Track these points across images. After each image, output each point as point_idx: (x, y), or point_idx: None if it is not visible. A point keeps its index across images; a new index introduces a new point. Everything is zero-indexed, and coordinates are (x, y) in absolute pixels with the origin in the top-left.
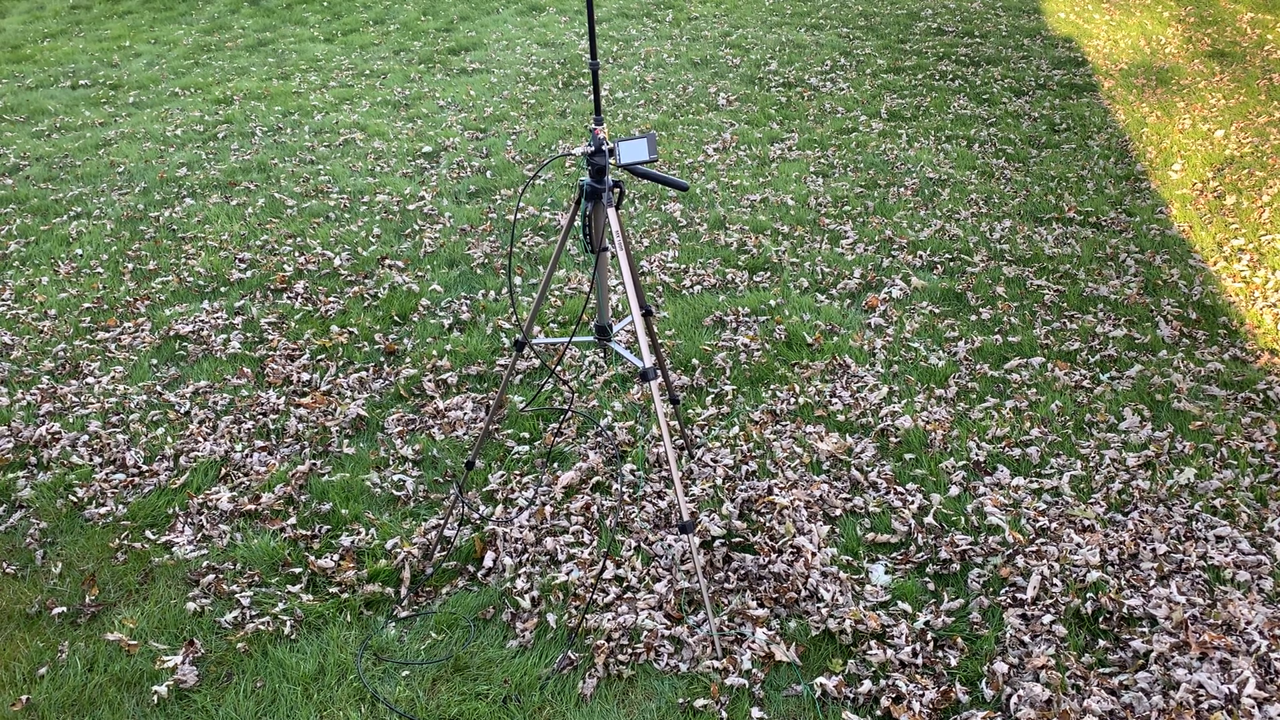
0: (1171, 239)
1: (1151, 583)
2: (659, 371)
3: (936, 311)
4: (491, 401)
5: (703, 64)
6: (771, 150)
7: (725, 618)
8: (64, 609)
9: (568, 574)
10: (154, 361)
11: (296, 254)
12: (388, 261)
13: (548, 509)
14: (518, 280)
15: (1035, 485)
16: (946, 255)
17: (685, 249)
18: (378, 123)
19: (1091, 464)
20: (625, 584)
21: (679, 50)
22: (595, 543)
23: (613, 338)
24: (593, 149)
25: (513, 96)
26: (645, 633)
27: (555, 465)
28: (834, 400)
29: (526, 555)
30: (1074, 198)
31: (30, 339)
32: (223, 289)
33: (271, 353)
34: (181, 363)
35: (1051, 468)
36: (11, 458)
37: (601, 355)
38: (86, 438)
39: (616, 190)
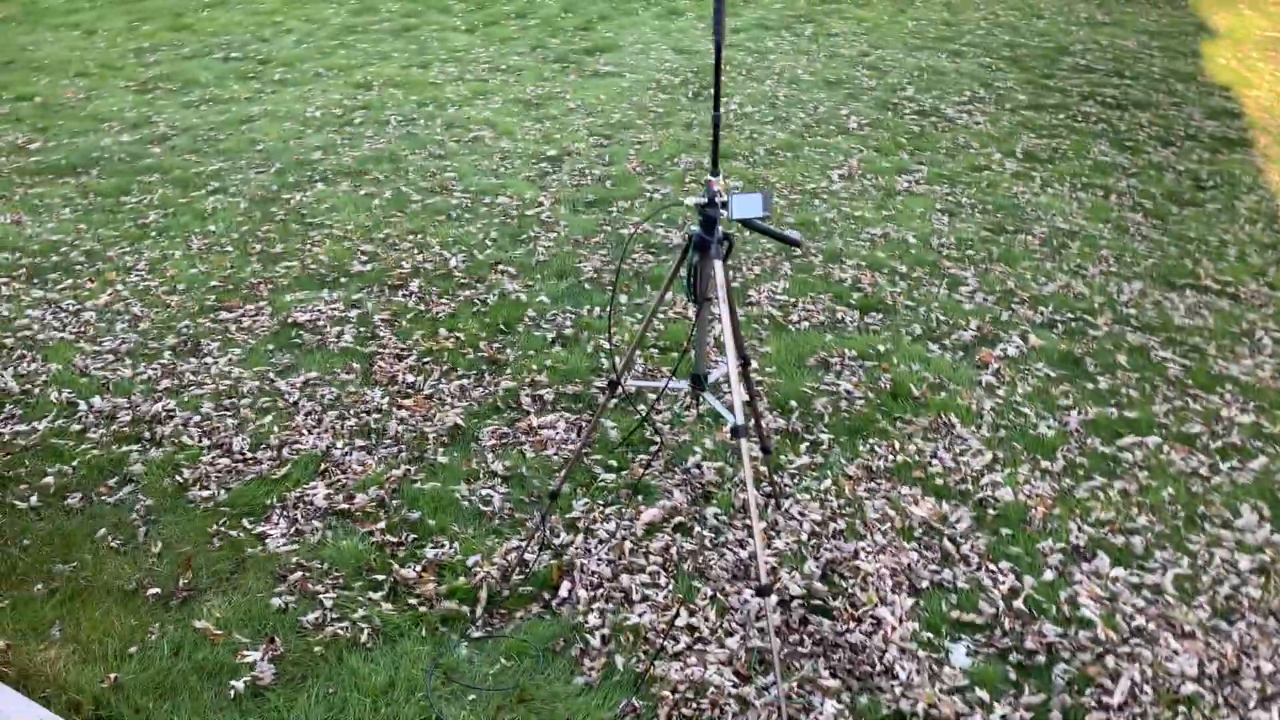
0: None
1: (1251, 704)
2: (750, 429)
3: (1052, 375)
4: (584, 428)
5: (837, 84)
6: (898, 182)
7: (795, 684)
8: (158, 590)
9: (640, 615)
10: (270, 347)
11: (415, 251)
12: (500, 267)
13: (627, 544)
14: (623, 298)
15: (1136, 579)
16: (1069, 314)
17: (796, 280)
18: (507, 121)
19: (1200, 562)
20: (697, 634)
21: (814, 67)
22: (671, 586)
23: (707, 387)
24: (705, 200)
25: (641, 104)
26: (712, 689)
27: (639, 498)
28: (934, 461)
29: (601, 590)
30: (1213, 264)
31: (158, 312)
32: (343, 279)
33: (381, 350)
34: (296, 351)
35: (1155, 561)
36: (129, 431)
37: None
38: (199, 418)
39: (725, 243)
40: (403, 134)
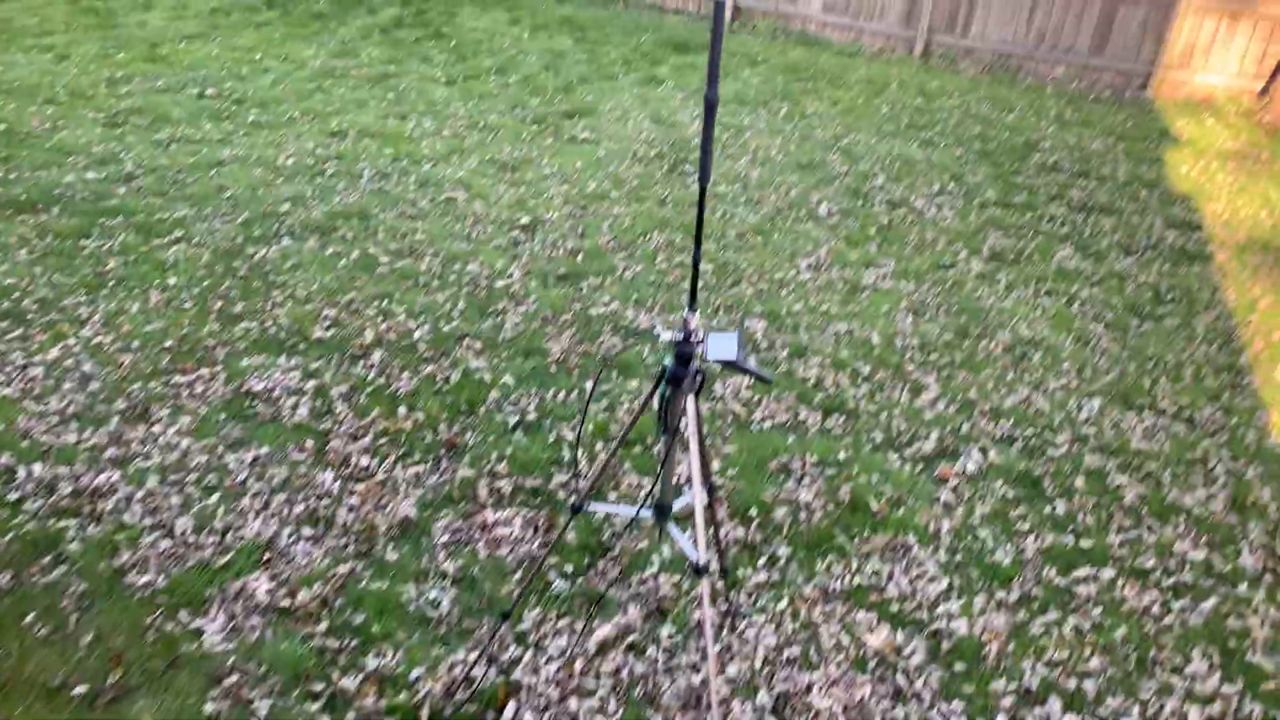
0: (1268, 451)
1: None
2: (712, 566)
3: (1010, 496)
4: (539, 527)
5: (810, 167)
6: (865, 275)
7: None
8: (86, 687)
9: None
10: (222, 417)
11: (380, 319)
12: (466, 341)
13: (578, 663)
14: (588, 384)
15: None
16: (1029, 430)
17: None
18: (482, 183)
19: (1150, 712)
20: None
21: (788, 148)
22: (620, 714)
23: (671, 517)
24: (681, 337)
25: (617, 174)
26: None
27: (594, 609)
28: (890, 586)
29: (549, 714)
30: (1170, 384)
31: (109, 372)
32: (302, 346)
33: (336, 427)
34: (248, 423)
35: (1107, 709)
36: (68, 504)
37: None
38: (142, 494)
39: (699, 378)
40: (375, 189)
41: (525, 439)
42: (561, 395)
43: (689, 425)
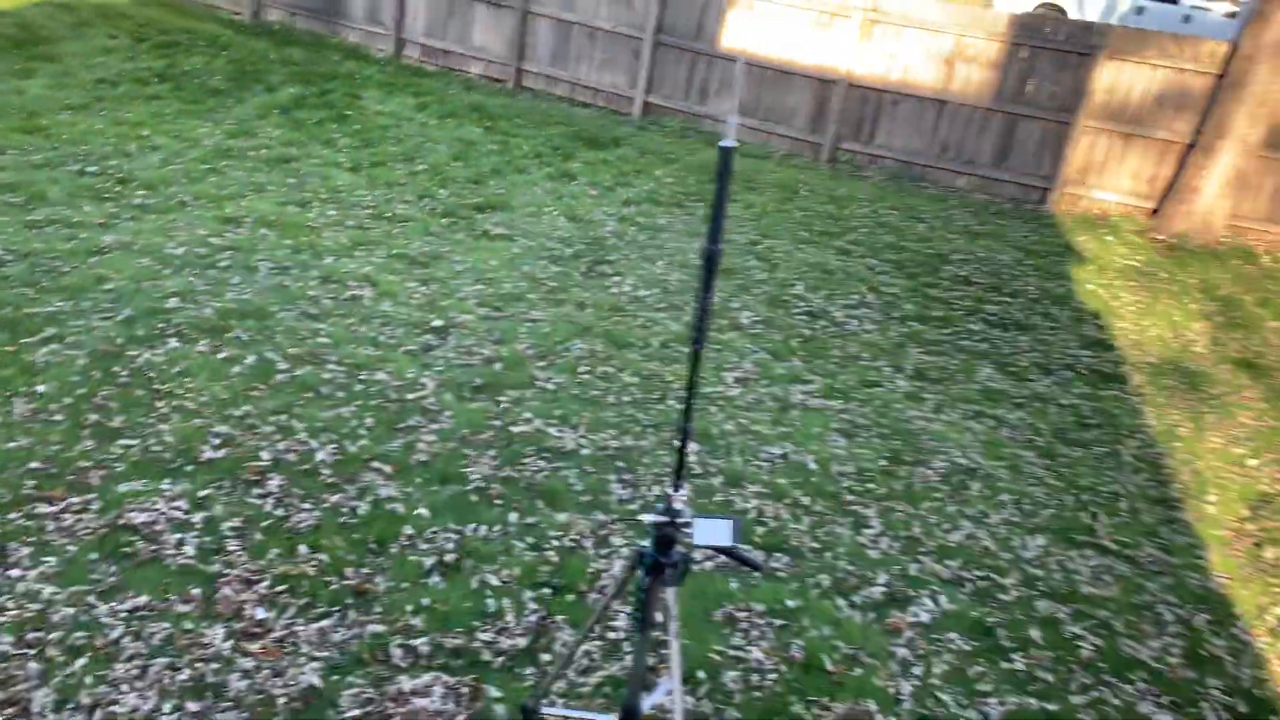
0: (1213, 594)
1: None
2: None
3: (967, 649)
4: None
5: (729, 272)
6: (793, 392)
7: None
8: None
9: None
10: (94, 556)
11: (277, 437)
12: (375, 464)
13: None
14: (513, 516)
15: None
16: (976, 571)
17: (697, 506)
18: (390, 280)
19: None
20: None
21: None
22: None
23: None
24: (665, 519)
25: (533, 274)
26: None
27: None
28: None
29: None
30: (1108, 518)
31: None
32: (189, 468)
33: (228, 571)
34: (125, 563)
35: None
36: None
37: None
38: None
39: (682, 565)
40: (273, 284)
41: (444, 584)
42: (484, 530)
43: (670, 621)
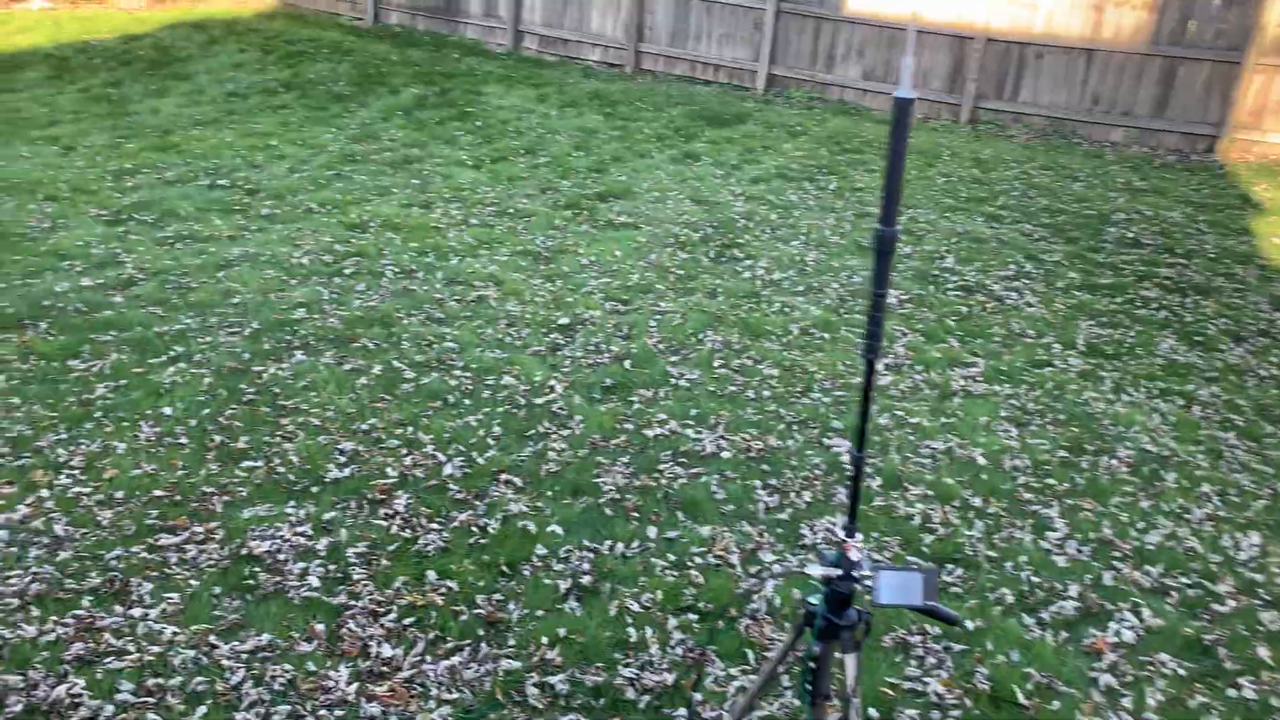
0: None
1: None
2: None
3: (1183, 674)
4: None
5: (870, 249)
6: (954, 378)
7: None
8: None
9: None
10: (216, 591)
11: (404, 451)
12: (504, 477)
13: None
14: (652, 530)
15: None
16: (1183, 578)
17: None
18: (515, 278)
19: None
20: None
21: (842, 227)
22: None
23: None
24: (838, 572)
25: (660, 263)
26: None
27: None
28: None
29: None
30: None
31: (85, 534)
32: (314, 489)
33: (353, 603)
34: (247, 598)
35: None
36: None
37: None
38: (111, 710)
39: (862, 624)
40: (399, 289)
41: (581, 611)
42: (620, 548)
43: (850, 693)
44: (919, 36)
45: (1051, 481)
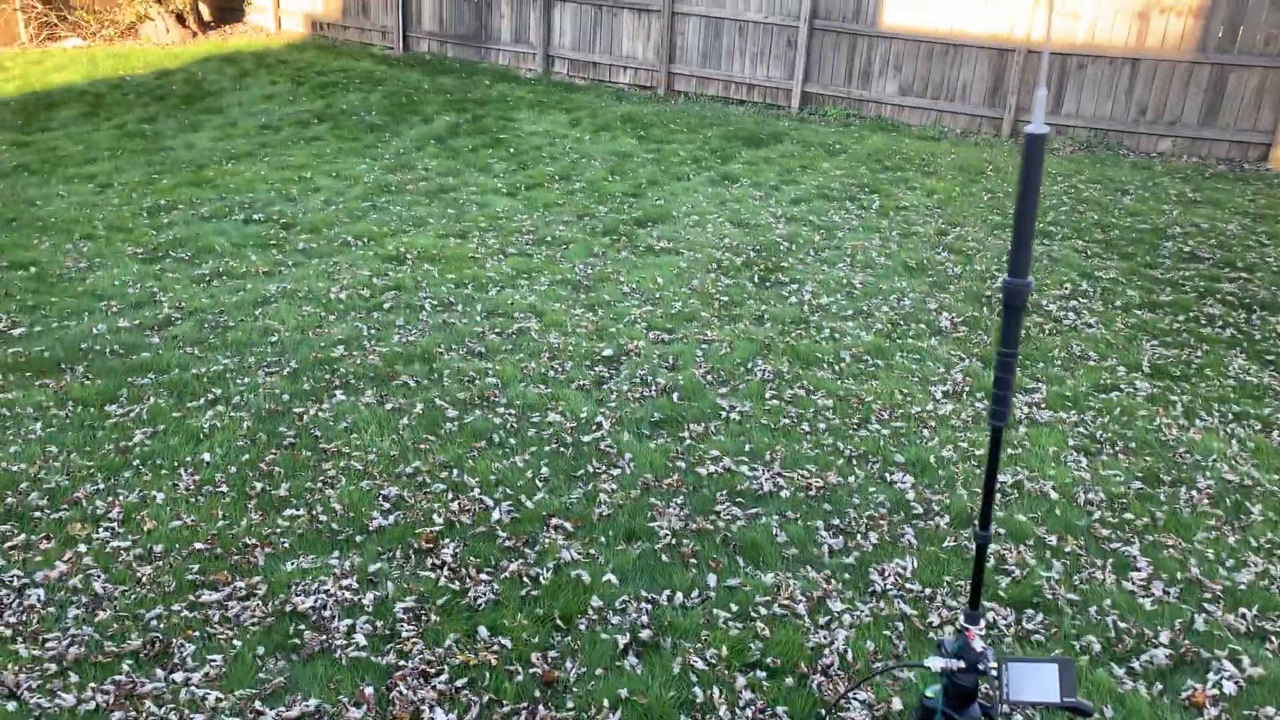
0: None
1: None
2: None
3: None
4: None
5: (918, 269)
6: (1016, 405)
7: None
8: None
9: None
10: (260, 652)
11: (449, 495)
12: (555, 521)
13: None
14: (712, 578)
15: None
16: None
17: (925, 556)
18: (555, 308)
19: None
20: None
21: (889, 248)
22: None
23: None
24: (960, 664)
25: (703, 289)
26: None
27: None
28: None
29: None
30: None
31: (125, 591)
32: (358, 538)
33: (403, 663)
34: (292, 658)
35: None
36: None
37: None
38: None
39: None
40: (438, 323)
41: (641, 668)
42: (680, 598)
43: None
44: (957, 51)
45: (1129, 516)
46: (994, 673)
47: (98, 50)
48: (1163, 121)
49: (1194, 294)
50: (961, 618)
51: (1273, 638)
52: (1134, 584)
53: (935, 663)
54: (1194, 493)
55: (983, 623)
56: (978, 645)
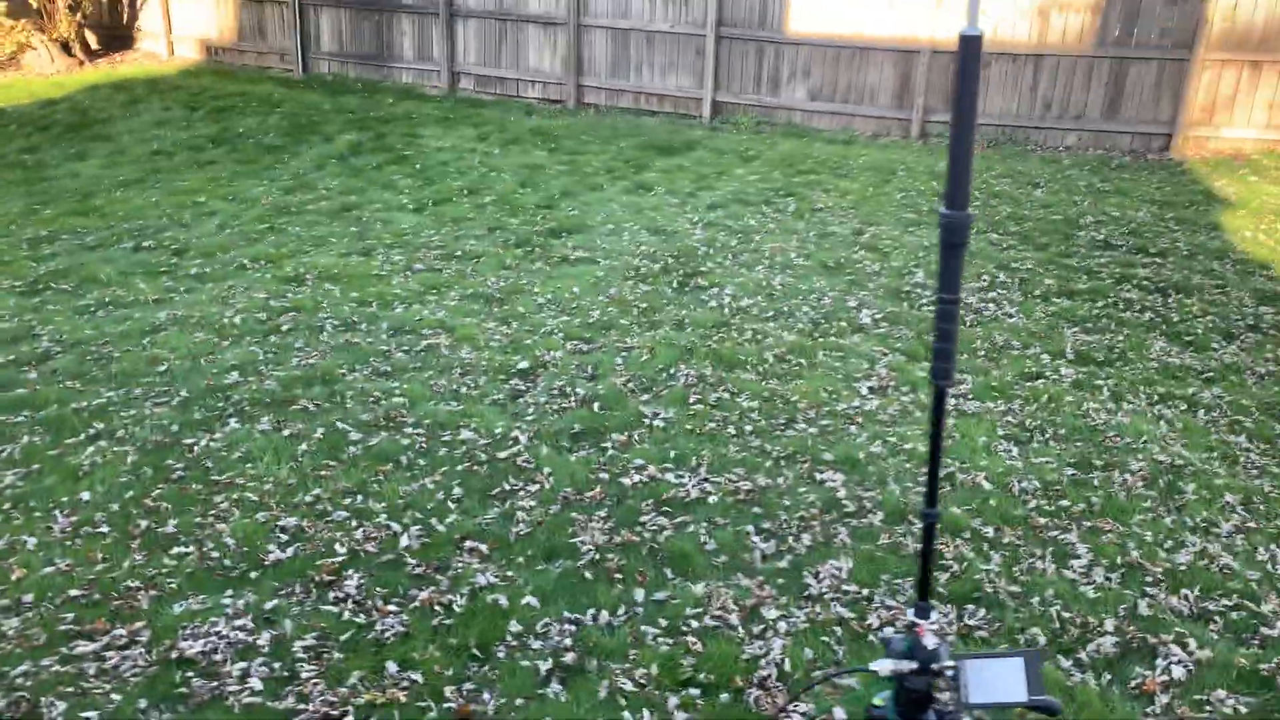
0: None
1: None
2: None
3: (1243, 709)
4: None
5: (837, 269)
6: None
7: None
8: None
9: None
10: (143, 704)
11: (353, 523)
12: (469, 544)
13: None
14: (639, 593)
15: None
16: (1224, 600)
17: (861, 555)
18: (466, 323)
19: None
20: None
21: (807, 249)
22: None
23: None
24: (912, 665)
25: (621, 297)
26: None
27: None
28: None
29: None
30: None
31: None
32: (253, 574)
33: (303, 706)
34: (180, 708)
35: None
36: None
37: None
38: None
39: None
40: (339, 343)
41: (566, 695)
42: (605, 617)
43: None
44: (864, 55)
45: (1065, 503)
46: (950, 673)
47: None
48: (1068, 116)
49: (1110, 280)
50: (910, 612)
51: (1217, 618)
52: (1075, 572)
53: (883, 665)
54: (1127, 476)
55: (935, 615)
56: (930, 642)
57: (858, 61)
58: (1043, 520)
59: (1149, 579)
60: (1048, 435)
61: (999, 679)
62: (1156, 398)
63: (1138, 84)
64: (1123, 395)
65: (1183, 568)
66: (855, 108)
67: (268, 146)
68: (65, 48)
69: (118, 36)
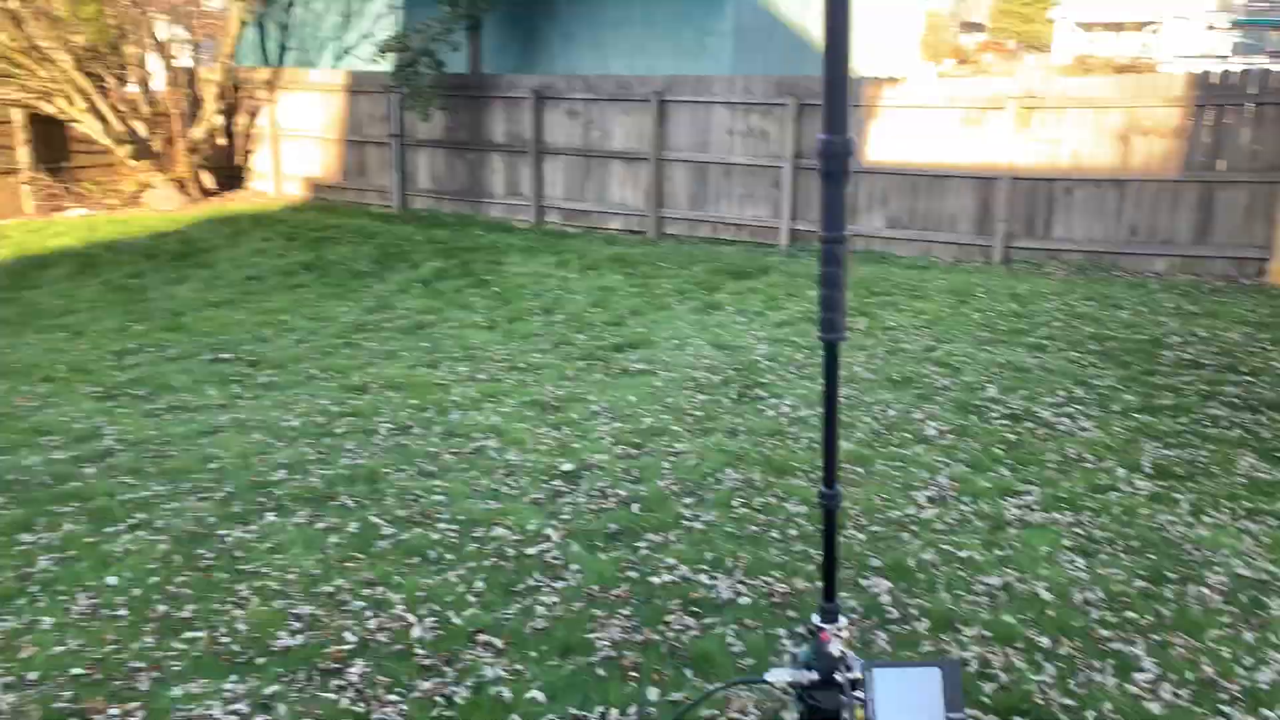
0: None
1: None
2: None
3: None
4: None
5: (904, 382)
6: (1006, 507)
7: None
8: None
9: None
10: None
11: (368, 613)
12: (482, 637)
13: None
14: (653, 692)
15: None
16: None
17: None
18: (518, 428)
19: None
20: None
21: (874, 364)
22: None
23: None
24: (815, 677)
25: (677, 405)
26: None
27: None
28: None
29: None
30: None
31: None
32: (259, 660)
33: None
34: None
35: None
36: None
37: None
38: None
39: None
40: (391, 445)
41: None
42: (614, 715)
43: None
44: (942, 182)
45: (1132, 615)
46: (857, 689)
47: (99, 218)
48: (1156, 240)
49: (1196, 397)
50: (815, 616)
51: None
52: (1138, 686)
53: (779, 675)
54: (1204, 589)
55: (844, 620)
56: (835, 649)
57: (936, 189)
58: (1105, 632)
59: (1224, 696)
60: (1118, 546)
61: (912, 692)
62: (1242, 512)
63: (1228, 208)
64: (1203, 509)
65: (1264, 686)
66: (934, 234)
67: (356, 272)
68: (181, 186)
69: (232, 176)
